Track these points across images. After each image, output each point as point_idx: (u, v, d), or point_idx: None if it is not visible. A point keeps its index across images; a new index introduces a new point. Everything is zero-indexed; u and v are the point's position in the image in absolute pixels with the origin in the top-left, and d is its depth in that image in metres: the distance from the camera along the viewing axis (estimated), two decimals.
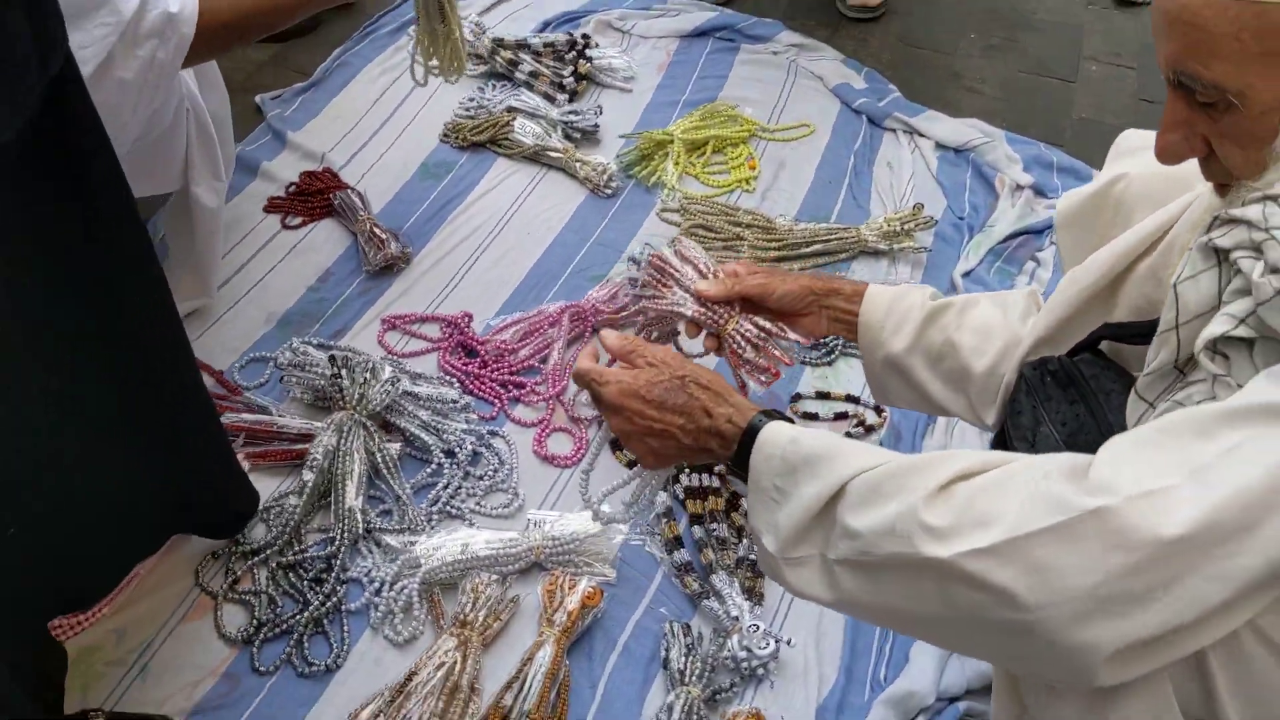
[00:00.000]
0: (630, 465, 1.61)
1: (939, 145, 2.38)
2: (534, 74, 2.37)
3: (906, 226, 2.11)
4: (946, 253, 2.13)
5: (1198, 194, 1.15)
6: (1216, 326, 0.95)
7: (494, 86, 2.37)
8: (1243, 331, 0.93)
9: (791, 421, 1.13)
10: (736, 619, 1.50)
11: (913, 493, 0.95)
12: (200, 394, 1.35)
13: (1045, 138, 2.45)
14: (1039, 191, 2.28)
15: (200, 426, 1.36)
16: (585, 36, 2.47)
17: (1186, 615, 0.85)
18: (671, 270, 1.37)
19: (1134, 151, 1.42)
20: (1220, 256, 0.97)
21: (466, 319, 1.88)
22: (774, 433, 1.07)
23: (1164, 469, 0.88)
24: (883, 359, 1.40)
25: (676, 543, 1.61)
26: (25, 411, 1.11)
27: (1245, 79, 0.94)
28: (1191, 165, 1.18)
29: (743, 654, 1.47)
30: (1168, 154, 1.03)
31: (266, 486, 1.61)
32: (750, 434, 1.09)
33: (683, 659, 1.46)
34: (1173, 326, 1.00)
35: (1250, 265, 0.93)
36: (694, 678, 1.44)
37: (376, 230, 1.98)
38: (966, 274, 2.10)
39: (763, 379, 1.35)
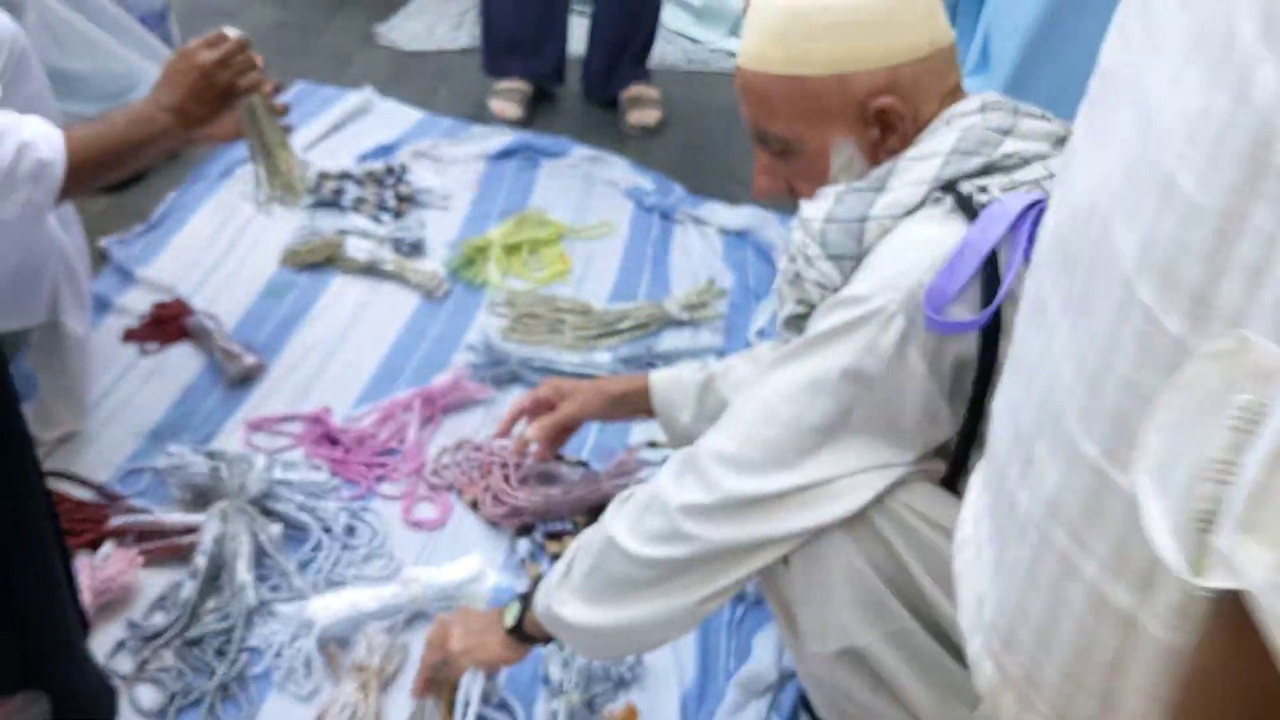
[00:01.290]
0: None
1: (722, 230, 2.74)
2: (359, 199, 2.62)
3: (703, 298, 2.44)
4: (738, 317, 2.47)
5: None
6: (785, 309, 1.28)
7: (322, 213, 2.60)
8: (800, 309, 1.25)
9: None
10: None
11: (615, 504, 1.33)
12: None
13: None
14: None
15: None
16: (401, 164, 2.74)
17: (752, 494, 1.19)
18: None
19: None
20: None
21: (326, 413, 2.08)
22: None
23: (722, 422, 1.24)
24: (678, 432, 1.73)
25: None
26: None
27: (798, 131, 1.29)
28: None
29: (610, 662, 1.70)
30: (762, 193, 1.40)
31: (159, 580, 1.75)
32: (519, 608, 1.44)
33: (559, 671, 1.68)
34: (777, 312, 1.35)
35: (782, 260, 1.28)
36: (573, 686, 1.66)
37: (230, 346, 2.16)
38: (759, 332, 2.44)
39: None
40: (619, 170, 2.90)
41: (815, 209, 1.23)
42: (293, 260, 2.46)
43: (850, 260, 1.20)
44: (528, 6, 3.05)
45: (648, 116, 3.13)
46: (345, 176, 2.67)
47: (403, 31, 3.47)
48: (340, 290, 2.42)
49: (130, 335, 2.23)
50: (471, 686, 1.47)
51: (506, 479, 1.94)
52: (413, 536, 1.90)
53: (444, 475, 2.00)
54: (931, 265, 1.13)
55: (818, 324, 1.19)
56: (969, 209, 1.15)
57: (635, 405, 1.76)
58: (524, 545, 1.88)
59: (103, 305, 2.28)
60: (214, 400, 2.11)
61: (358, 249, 2.46)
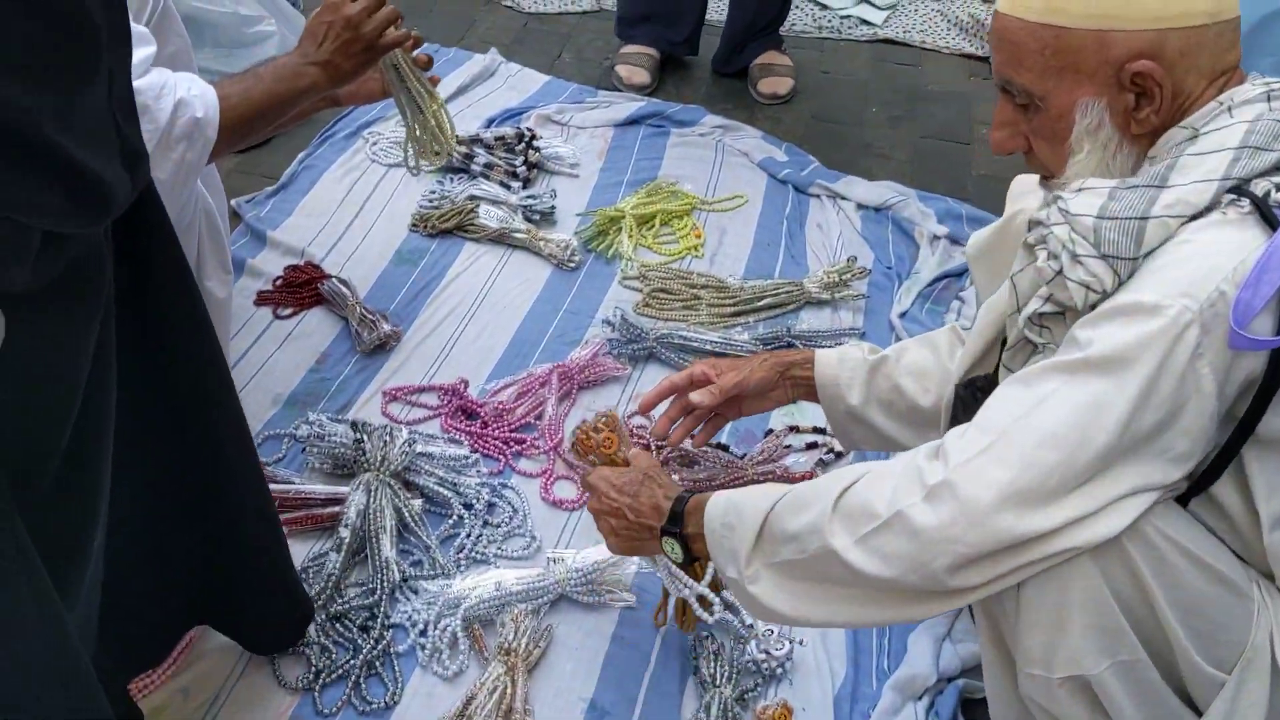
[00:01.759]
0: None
1: (860, 206, 2.63)
2: (489, 165, 2.56)
3: (844, 277, 2.34)
4: (881, 298, 2.37)
5: None
6: (1030, 306, 1.19)
7: (452, 179, 2.55)
8: (1048, 308, 1.16)
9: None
10: (751, 626, 1.65)
11: (826, 497, 1.19)
12: (265, 511, 1.44)
13: (951, 193, 2.72)
14: (953, 240, 2.54)
15: (261, 536, 1.45)
16: (529, 130, 2.68)
17: (1025, 533, 1.08)
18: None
19: (1026, 192, 1.67)
20: (1032, 249, 1.21)
21: (463, 385, 2.03)
22: (719, 493, 1.33)
23: (987, 430, 1.11)
24: (844, 412, 1.64)
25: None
26: (109, 486, 1.18)
27: (1046, 86, 1.20)
28: None
29: (762, 656, 1.63)
30: (998, 147, 1.31)
31: (300, 550, 1.71)
32: (679, 509, 1.37)
33: (711, 665, 1.61)
34: (1015, 310, 1.25)
35: (1041, 253, 1.16)
36: (724, 680, 1.59)
37: (366, 313, 2.12)
38: (902, 315, 2.33)
39: None
40: (751, 141, 2.80)
41: (1084, 203, 1.12)
42: (424, 226, 2.41)
43: (1126, 262, 1.10)
44: None
45: (780, 85, 3.02)
46: (476, 141, 2.61)
47: None
48: (471, 258, 2.36)
49: (264, 298, 2.20)
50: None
51: None
52: (552, 515, 1.84)
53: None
54: (1233, 275, 1.03)
55: (1093, 333, 1.09)
56: (1267, 213, 1.05)
57: (797, 380, 1.67)
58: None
59: (236, 266, 2.25)
60: (349, 368, 2.07)
61: (489, 216, 2.40)
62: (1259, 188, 1.08)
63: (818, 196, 2.66)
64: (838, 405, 1.64)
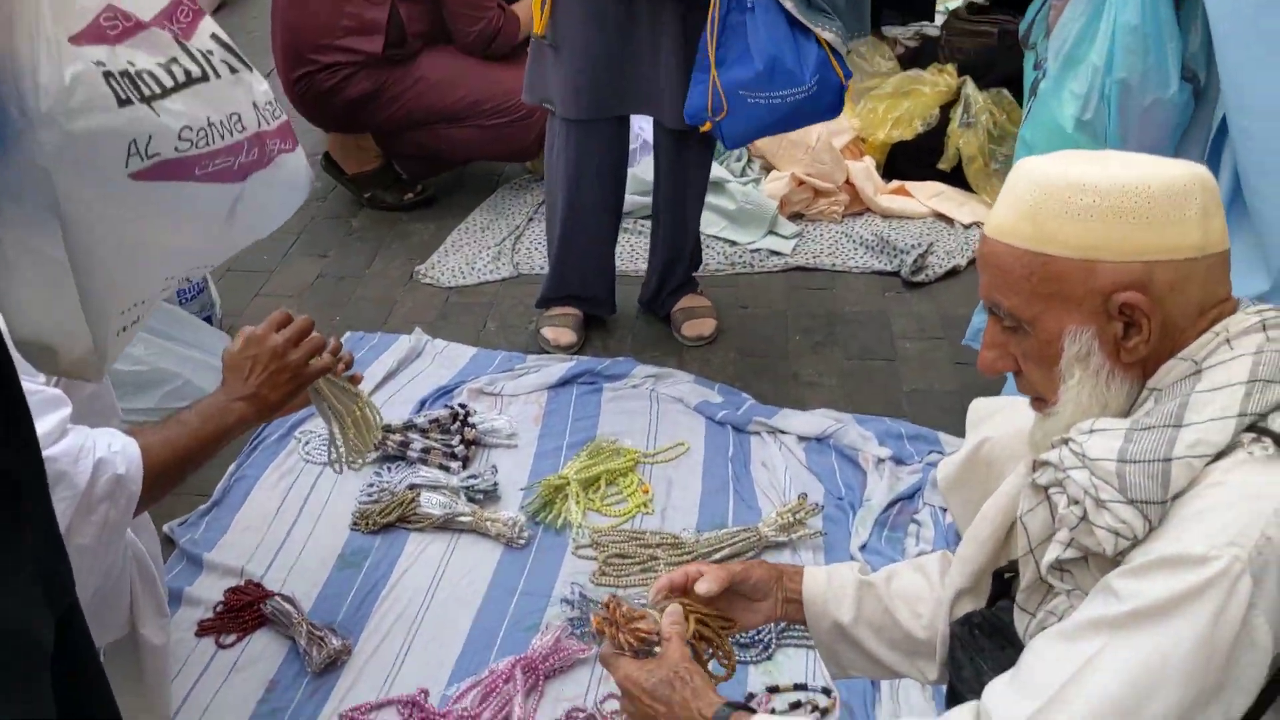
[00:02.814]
0: None
1: (801, 438, 2.64)
2: (425, 449, 2.53)
3: (798, 516, 2.31)
4: (838, 532, 2.34)
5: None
6: (1051, 552, 1.17)
7: (390, 469, 2.51)
8: (1070, 554, 1.15)
9: (753, 711, 1.31)
10: None
11: None
12: None
13: (886, 412, 2.75)
14: (898, 461, 2.54)
15: None
16: (463, 406, 2.67)
17: None
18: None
19: (988, 417, 1.68)
20: (1045, 492, 1.20)
21: (423, 695, 1.92)
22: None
23: (1033, 693, 1.07)
24: (830, 628, 1.58)
25: None
26: None
27: (1034, 311, 1.21)
28: None
29: None
30: (987, 367, 1.30)
31: None
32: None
33: None
34: (1029, 550, 1.23)
35: (1059, 498, 1.15)
36: None
37: (313, 629, 2.03)
38: (862, 547, 2.30)
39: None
40: (684, 386, 2.82)
41: (1102, 445, 1.11)
42: (365, 524, 2.36)
43: (1156, 506, 1.08)
44: (591, 252, 3.03)
45: (704, 327, 3.07)
46: (410, 427, 2.59)
47: (443, 269, 3.46)
48: (417, 550, 2.30)
49: (205, 628, 2.10)
50: None
51: None
52: None
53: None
54: (1275, 518, 1.02)
55: (1137, 585, 1.06)
56: None
57: (787, 594, 1.59)
58: None
59: (173, 597, 2.16)
60: (301, 692, 1.97)
61: (431, 503, 2.36)
62: (1276, 423, 1.08)
63: (758, 434, 2.66)
64: (824, 622, 1.57)
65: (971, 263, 3.47)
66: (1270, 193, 1.90)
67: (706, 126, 2.57)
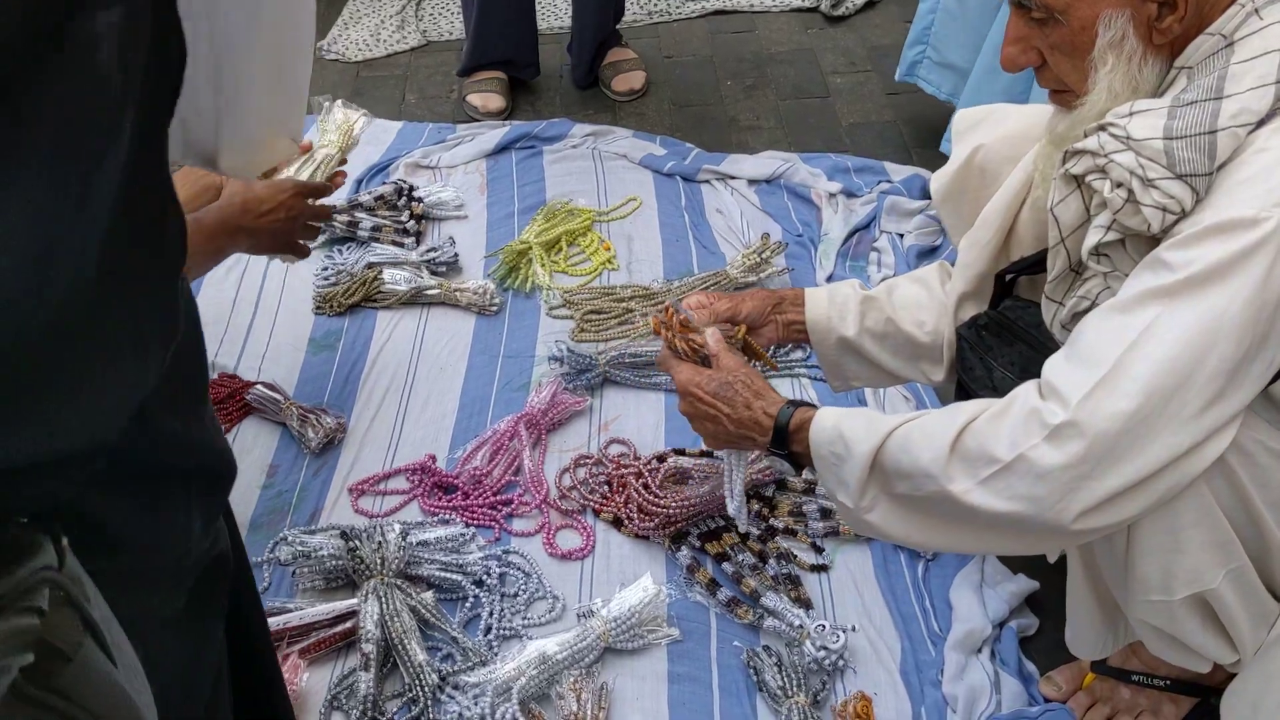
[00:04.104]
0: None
1: (751, 181, 2.63)
2: (376, 228, 2.46)
3: (763, 256, 2.33)
4: (803, 267, 2.37)
5: (1041, 142, 1.42)
6: (1092, 237, 1.20)
7: (341, 251, 2.43)
8: (1111, 236, 1.18)
9: (815, 407, 1.36)
10: (801, 627, 1.63)
11: (937, 441, 1.19)
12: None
13: (829, 148, 2.75)
14: (849, 194, 2.57)
15: None
16: (405, 182, 2.58)
17: (1154, 465, 1.09)
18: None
19: (975, 126, 1.69)
20: (1078, 181, 1.22)
21: (431, 460, 1.94)
22: (821, 414, 1.33)
23: (1095, 363, 1.11)
24: (835, 343, 1.63)
25: (714, 585, 1.73)
26: None
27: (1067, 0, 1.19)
28: (1033, 124, 1.45)
29: (821, 654, 1.60)
30: (1009, 63, 1.30)
31: (322, 678, 1.61)
32: (782, 422, 1.36)
33: (777, 676, 1.58)
34: (1060, 240, 1.26)
35: (1100, 184, 1.18)
36: (795, 688, 1.57)
37: (304, 411, 2.00)
38: (829, 278, 2.34)
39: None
40: (625, 142, 2.77)
41: (1146, 125, 1.13)
42: (329, 306, 2.30)
43: (1203, 178, 1.10)
44: (513, 13, 2.88)
45: (634, 80, 2.99)
46: (355, 206, 2.50)
47: (347, 42, 3.26)
48: (389, 326, 2.26)
49: None
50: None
51: (646, 487, 1.83)
52: (566, 569, 1.78)
53: (574, 498, 1.88)
54: None
55: (1189, 254, 1.09)
56: None
57: (788, 320, 1.65)
58: (685, 554, 1.77)
59: None
60: (304, 473, 1.96)
61: (396, 279, 2.30)
62: None
63: (707, 181, 2.64)
64: (829, 339, 1.63)
65: None
66: None
67: None
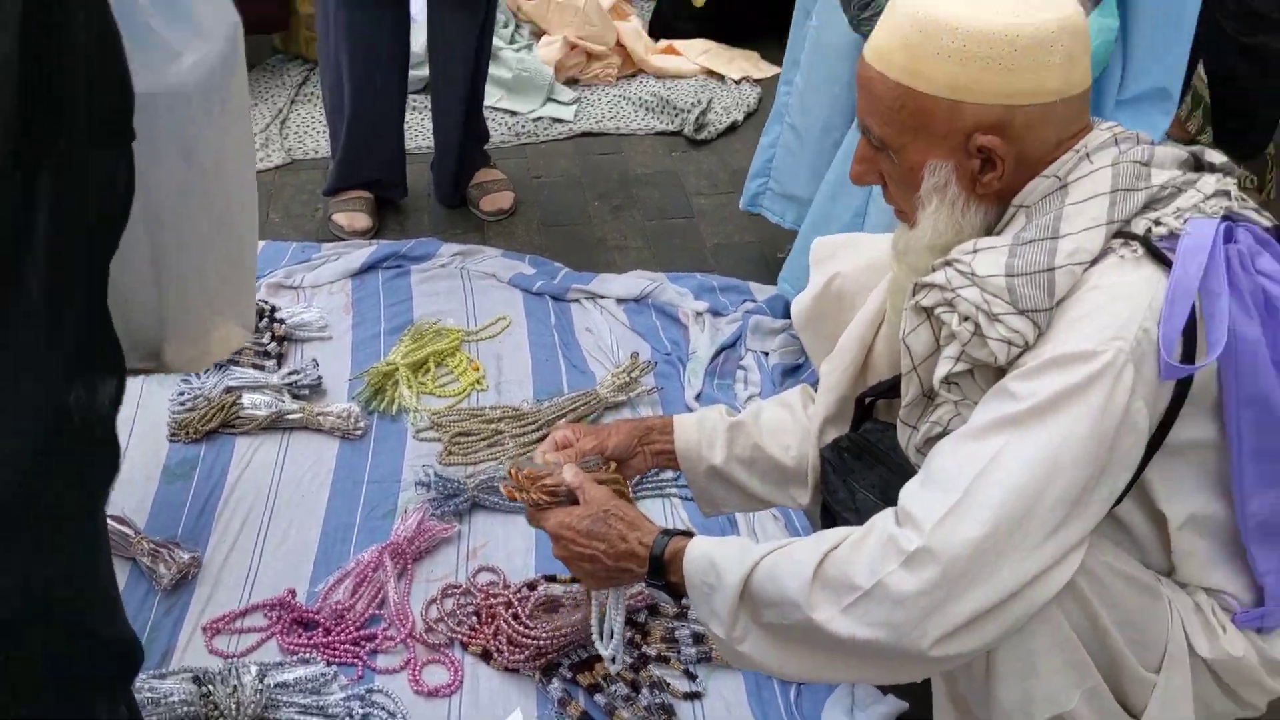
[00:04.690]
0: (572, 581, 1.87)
1: (619, 300, 2.66)
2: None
3: (632, 375, 2.35)
4: (672, 387, 2.40)
5: (892, 272, 1.48)
6: (942, 367, 1.26)
7: (198, 375, 2.36)
8: (960, 367, 1.24)
9: (690, 535, 1.37)
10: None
11: (802, 569, 1.21)
12: None
13: (695, 268, 2.81)
14: (715, 312, 2.62)
15: None
16: (265, 303, 2.53)
17: (1005, 590, 1.13)
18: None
19: (833, 254, 1.75)
20: (928, 313, 1.28)
21: (291, 595, 1.86)
22: (693, 544, 1.33)
23: (948, 489, 1.16)
24: (705, 471, 1.65)
25: (586, 719, 1.69)
26: None
27: (901, 140, 1.28)
28: (887, 254, 1.51)
29: None
30: (857, 179, 1.39)
31: None
32: (657, 552, 1.36)
33: None
34: (912, 368, 1.32)
35: (949, 317, 1.24)
36: None
37: (155, 546, 1.91)
38: (697, 397, 2.37)
39: None
40: (494, 261, 2.77)
41: (989, 263, 1.18)
42: (185, 433, 2.21)
43: (1044, 313, 1.16)
44: (381, 135, 2.88)
45: (502, 201, 3.01)
46: None
47: None
48: (248, 452, 2.19)
49: None
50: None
51: (516, 617, 1.79)
52: (433, 707, 1.72)
53: (441, 630, 1.83)
54: (1149, 311, 1.12)
55: (1032, 385, 1.14)
56: (1156, 251, 1.14)
57: (657, 449, 1.65)
58: (556, 686, 1.73)
59: None
60: (155, 612, 1.86)
61: (255, 404, 2.24)
62: (1139, 227, 1.18)
63: (577, 300, 2.66)
64: (699, 467, 1.65)
65: (748, 116, 3.56)
66: None
67: None
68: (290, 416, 2.24)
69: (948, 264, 1.25)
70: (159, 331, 0.91)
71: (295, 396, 2.31)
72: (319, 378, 2.35)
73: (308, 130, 3.40)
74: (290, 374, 2.34)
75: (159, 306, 0.90)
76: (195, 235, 0.91)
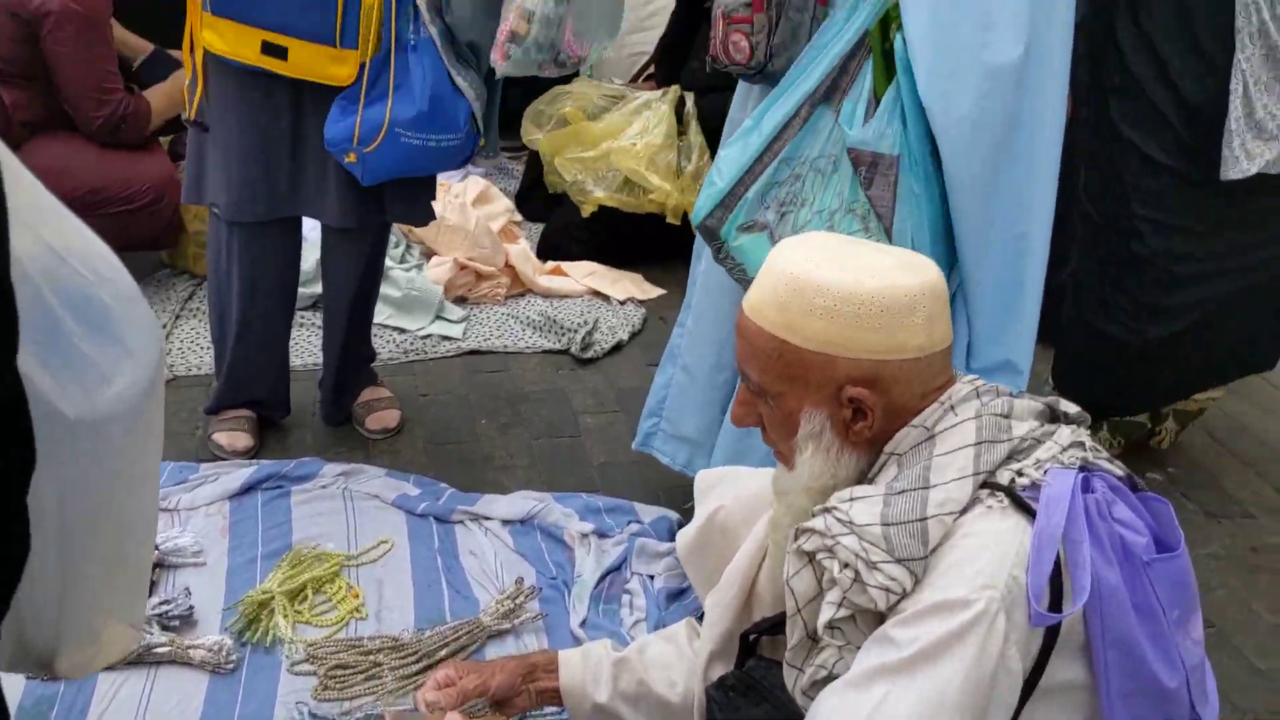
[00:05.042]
0: None
1: (505, 522, 2.65)
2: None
3: (516, 601, 2.33)
4: (557, 612, 2.37)
5: (772, 510, 1.54)
6: (825, 613, 1.31)
7: None
8: (842, 613, 1.29)
9: None
10: None
11: None
12: None
13: (581, 488, 2.83)
14: (601, 534, 2.63)
15: None
16: None
17: None
18: None
19: (714, 486, 1.80)
20: (810, 557, 1.33)
21: None
22: None
23: None
24: (590, 709, 1.64)
25: None
26: None
27: (777, 388, 1.36)
28: (768, 488, 1.57)
29: None
30: (737, 421, 1.45)
31: None
32: None
33: None
34: (796, 612, 1.36)
35: (830, 563, 1.29)
36: None
37: None
38: (582, 623, 2.34)
39: None
40: (378, 481, 2.75)
41: (865, 512, 1.24)
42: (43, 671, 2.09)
43: (919, 561, 1.21)
44: (266, 357, 2.87)
45: (388, 419, 3.01)
46: None
47: None
48: (110, 690, 2.07)
49: None
50: None
51: None
52: None
53: None
54: (1017, 559, 1.18)
55: (911, 632, 1.18)
56: (1020, 501, 1.22)
57: (542, 688, 1.64)
58: None
59: None
60: None
61: None
62: (1004, 477, 1.26)
63: (461, 522, 2.65)
64: (584, 705, 1.64)
65: (634, 336, 3.66)
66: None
67: (351, 158, 2.45)
68: (158, 650, 2.14)
69: (827, 510, 1.30)
70: (54, 643, 0.89)
71: (164, 628, 2.21)
72: (190, 607, 2.26)
73: (191, 346, 3.38)
74: (161, 604, 2.25)
75: (57, 619, 0.88)
76: (102, 549, 0.90)
